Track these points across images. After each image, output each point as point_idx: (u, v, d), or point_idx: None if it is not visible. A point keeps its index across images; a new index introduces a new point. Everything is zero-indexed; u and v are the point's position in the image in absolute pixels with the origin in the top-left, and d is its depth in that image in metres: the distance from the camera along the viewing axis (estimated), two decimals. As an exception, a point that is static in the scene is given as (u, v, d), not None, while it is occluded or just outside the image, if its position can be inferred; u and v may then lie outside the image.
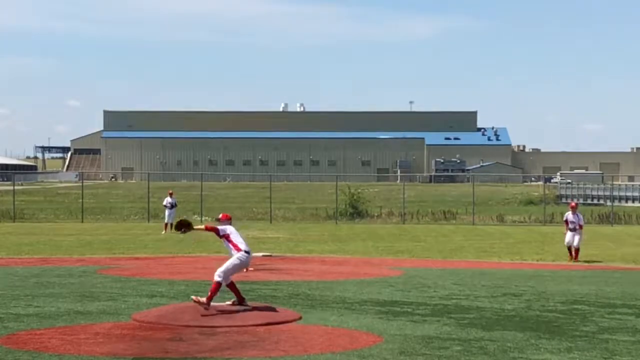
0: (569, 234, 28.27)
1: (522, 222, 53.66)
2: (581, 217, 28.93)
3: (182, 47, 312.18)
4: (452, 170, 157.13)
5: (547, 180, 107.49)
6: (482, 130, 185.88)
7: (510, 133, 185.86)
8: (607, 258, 28.86)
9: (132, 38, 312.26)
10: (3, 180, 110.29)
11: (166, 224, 40.94)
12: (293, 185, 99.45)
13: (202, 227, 16.51)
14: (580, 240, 28.17)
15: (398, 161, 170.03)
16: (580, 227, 28.35)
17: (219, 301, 15.81)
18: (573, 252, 28.09)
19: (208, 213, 55.05)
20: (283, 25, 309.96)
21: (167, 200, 42.09)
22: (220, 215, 16.38)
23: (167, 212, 41.84)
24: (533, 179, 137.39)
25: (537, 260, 28.25)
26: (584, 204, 71.40)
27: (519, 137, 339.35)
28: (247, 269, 23.55)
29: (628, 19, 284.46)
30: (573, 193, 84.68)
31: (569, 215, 28.61)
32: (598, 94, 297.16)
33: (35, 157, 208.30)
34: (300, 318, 15.39)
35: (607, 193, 74.54)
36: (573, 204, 30.35)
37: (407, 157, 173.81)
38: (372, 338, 13.56)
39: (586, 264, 27.04)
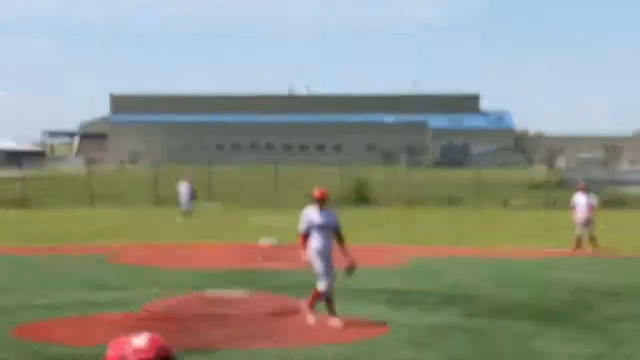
0: (579, 224, 26.44)
1: (526, 206, 53.68)
2: (592, 196, 27.03)
3: (189, 30, 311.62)
4: (456, 154, 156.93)
5: (551, 164, 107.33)
6: (486, 113, 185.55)
7: (513, 117, 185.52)
8: (613, 245, 28.80)
9: (139, 22, 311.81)
10: (11, 167, 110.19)
11: (182, 211, 40.49)
12: (298, 170, 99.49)
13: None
14: (582, 223, 26.28)
15: (404, 145, 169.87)
16: (590, 207, 26.32)
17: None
18: (588, 242, 26.11)
19: (215, 198, 55.17)
20: (287, 8, 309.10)
21: (184, 185, 41.35)
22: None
23: (184, 198, 40.94)
24: (536, 162, 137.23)
25: (542, 248, 28.23)
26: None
27: (522, 121, 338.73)
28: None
29: (633, 10, 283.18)
30: (577, 177, 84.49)
31: (578, 197, 26.77)
32: (602, 77, 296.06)
33: (43, 143, 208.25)
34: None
35: (611, 177, 74.47)
36: (582, 184, 28.17)
37: (412, 141, 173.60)
38: (380, 327, 13.69)
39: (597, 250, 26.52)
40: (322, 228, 13.46)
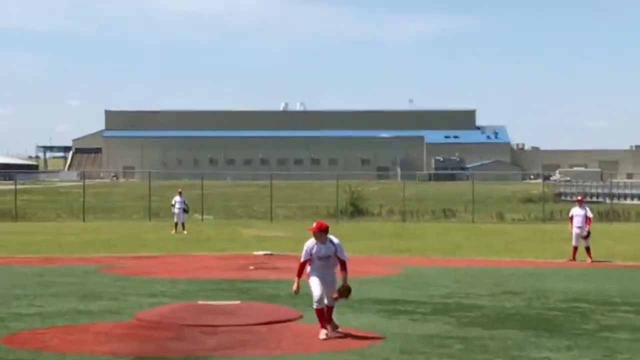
0: (575, 234, 27.10)
1: (521, 220, 53.66)
2: (588, 209, 27.74)
3: (183, 47, 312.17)
4: (451, 169, 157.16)
5: (546, 178, 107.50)
6: (482, 128, 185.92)
7: (509, 131, 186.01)
8: (607, 255, 28.85)
9: (133, 37, 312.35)
10: (5, 180, 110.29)
11: (176, 224, 40.53)
12: (294, 184, 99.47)
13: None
14: (582, 236, 26.88)
15: (398, 159, 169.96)
16: (588, 220, 27.05)
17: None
18: (585, 252, 26.81)
19: (209, 212, 55.10)
20: (283, 24, 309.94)
21: (176, 199, 40.98)
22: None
23: (176, 211, 40.87)
24: (532, 176, 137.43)
25: (537, 258, 28.25)
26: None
27: (518, 136, 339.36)
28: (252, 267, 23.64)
29: (627, 17, 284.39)
30: (572, 191, 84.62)
31: (575, 210, 27.49)
32: (598, 92, 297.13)
33: (37, 157, 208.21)
34: (301, 317, 15.43)
35: (607, 190, 74.54)
36: (579, 197, 29.64)
37: (407, 156, 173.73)
38: (373, 337, 13.60)
39: (592, 262, 26.70)
40: (321, 259, 13.56)
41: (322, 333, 13.37)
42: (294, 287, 13.62)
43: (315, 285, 13.49)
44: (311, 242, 13.64)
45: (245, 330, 14.07)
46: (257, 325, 14.47)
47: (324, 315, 13.52)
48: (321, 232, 13.54)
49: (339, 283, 13.63)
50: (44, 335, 13.65)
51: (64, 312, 16.02)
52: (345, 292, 13.54)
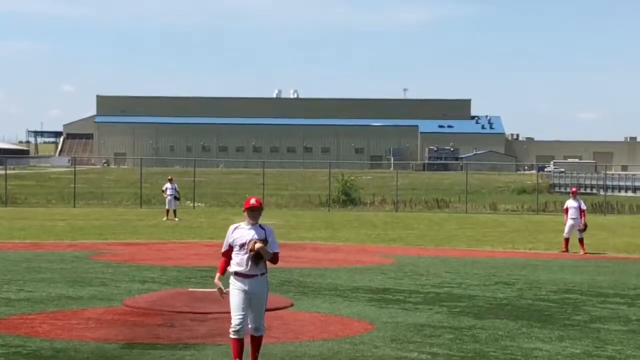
0: (568, 225, 27.05)
1: (515, 210, 53.67)
2: (582, 202, 27.75)
3: (175, 32, 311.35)
4: (445, 158, 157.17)
5: (541, 169, 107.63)
6: (476, 118, 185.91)
7: (503, 121, 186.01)
8: (600, 247, 28.86)
9: (125, 22, 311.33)
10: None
11: (167, 211, 40.46)
12: (286, 172, 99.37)
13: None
14: (579, 229, 26.81)
15: (391, 149, 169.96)
16: (583, 213, 27.06)
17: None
18: (578, 243, 26.76)
19: (201, 199, 55.00)
20: (277, 11, 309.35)
21: (167, 186, 40.90)
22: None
23: (167, 198, 40.86)
24: (526, 167, 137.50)
25: (530, 249, 28.24)
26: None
27: (513, 126, 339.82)
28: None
29: (622, 8, 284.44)
30: (566, 182, 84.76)
31: (569, 202, 27.49)
32: (592, 83, 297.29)
33: (28, 142, 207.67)
34: (292, 305, 15.38)
35: (601, 182, 74.64)
36: (574, 189, 29.82)
37: (401, 145, 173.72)
38: (364, 325, 13.55)
39: (588, 254, 26.61)
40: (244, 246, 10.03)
41: None
42: (216, 281, 10.38)
43: (234, 303, 10.09)
44: (234, 226, 10.31)
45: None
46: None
47: (239, 349, 10.13)
48: (259, 209, 10.24)
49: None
50: (34, 320, 13.57)
51: (53, 297, 15.95)
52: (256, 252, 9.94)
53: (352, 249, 27.26)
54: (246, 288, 9.98)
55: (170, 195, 40.53)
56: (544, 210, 51.84)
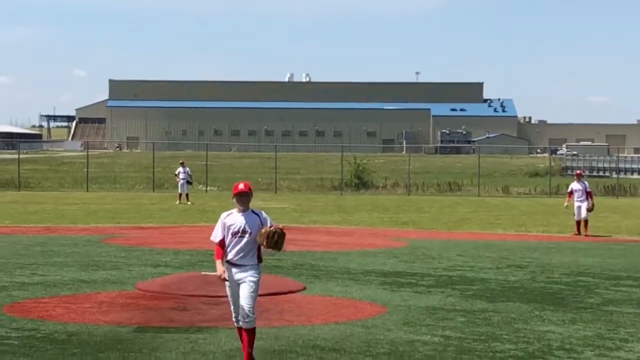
0: (577, 208, 26.80)
1: (527, 193, 53.59)
2: (587, 184, 27.60)
3: (188, 16, 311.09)
4: (457, 142, 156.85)
5: (553, 152, 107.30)
6: (488, 101, 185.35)
7: (516, 104, 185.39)
8: (613, 230, 28.77)
9: (138, 6, 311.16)
10: (8, 149, 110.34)
11: (180, 195, 40.58)
12: (298, 156, 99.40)
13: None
14: (588, 209, 26.64)
15: (404, 132, 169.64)
16: (589, 195, 26.86)
17: None
18: (582, 226, 26.74)
19: (213, 183, 55.07)
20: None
21: (180, 170, 41.06)
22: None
23: (180, 181, 41.02)
24: (539, 150, 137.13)
25: (542, 232, 28.19)
26: (589, 175, 71.29)
27: (525, 109, 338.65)
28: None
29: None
30: (579, 165, 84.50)
31: (574, 184, 27.37)
32: (605, 66, 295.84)
33: (41, 126, 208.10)
34: (304, 288, 15.39)
35: (613, 165, 74.40)
36: (578, 171, 29.57)
37: (413, 128, 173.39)
38: (376, 308, 13.55)
39: (594, 236, 26.59)
40: (236, 236, 9.71)
41: None
42: (219, 272, 9.77)
43: (229, 294, 9.91)
44: (226, 213, 9.98)
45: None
46: (260, 297, 14.36)
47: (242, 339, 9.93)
48: (248, 194, 9.77)
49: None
50: (47, 304, 13.62)
51: (66, 281, 16.00)
52: (271, 238, 9.58)
53: (365, 233, 27.26)
54: (237, 277, 9.69)
55: (183, 179, 40.64)
56: (556, 193, 51.70)
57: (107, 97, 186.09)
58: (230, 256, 9.68)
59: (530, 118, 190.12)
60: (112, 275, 16.80)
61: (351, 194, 51.64)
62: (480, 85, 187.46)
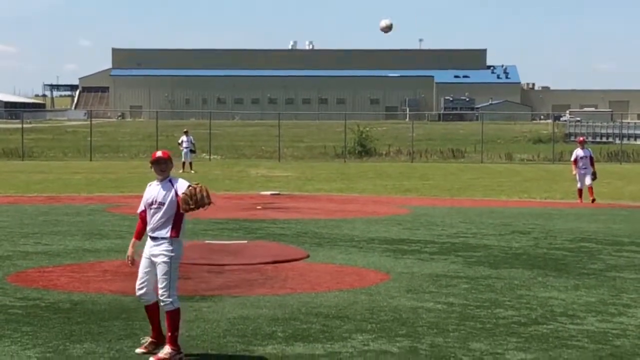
0: (580, 176, 26.73)
1: (530, 160, 53.56)
2: (590, 151, 27.49)
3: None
4: (461, 109, 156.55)
5: (556, 118, 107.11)
6: (492, 68, 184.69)
7: (519, 71, 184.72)
8: (616, 196, 28.77)
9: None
10: (12, 119, 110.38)
11: (184, 163, 40.62)
12: (302, 124, 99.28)
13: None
14: (592, 177, 26.53)
15: (407, 99, 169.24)
16: (592, 162, 26.81)
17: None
18: (588, 192, 26.46)
19: (216, 151, 55.07)
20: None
21: (183, 138, 41.15)
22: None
23: (183, 150, 41.13)
24: (542, 117, 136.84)
25: (545, 198, 28.20)
26: (593, 142, 71.30)
27: (529, 76, 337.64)
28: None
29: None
30: (582, 131, 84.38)
31: (578, 151, 27.14)
32: (609, 32, 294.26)
33: (44, 96, 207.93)
34: (308, 256, 15.43)
35: (617, 131, 74.27)
36: (581, 138, 29.36)
37: (416, 96, 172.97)
38: (380, 276, 13.58)
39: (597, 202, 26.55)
40: (151, 205, 9.12)
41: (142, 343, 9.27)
42: (129, 254, 9.39)
43: (140, 267, 9.16)
44: (150, 183, 9.37)
45: (252, 269, 14.05)
46: (263, 265, 14.45)
47: (149, 315, 9.30)
48: (166, 161, 9.20)
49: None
50: (51, 273, 13.66)
51: (70, 250, 16.04)
52: (194, 198, 8.91)
53: (368, 200, 27.28)
54: (151, 252, 9.00)
55: (186, 147, 40.69)
56: (559, 160, 51.68)
57: (110, 66, 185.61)
58: (147, 228, 9.06)
59: (533, 85, 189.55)
60: (116, 244, 16.83)
61: (354, 161, 51.63)
62: (483, 52, 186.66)
